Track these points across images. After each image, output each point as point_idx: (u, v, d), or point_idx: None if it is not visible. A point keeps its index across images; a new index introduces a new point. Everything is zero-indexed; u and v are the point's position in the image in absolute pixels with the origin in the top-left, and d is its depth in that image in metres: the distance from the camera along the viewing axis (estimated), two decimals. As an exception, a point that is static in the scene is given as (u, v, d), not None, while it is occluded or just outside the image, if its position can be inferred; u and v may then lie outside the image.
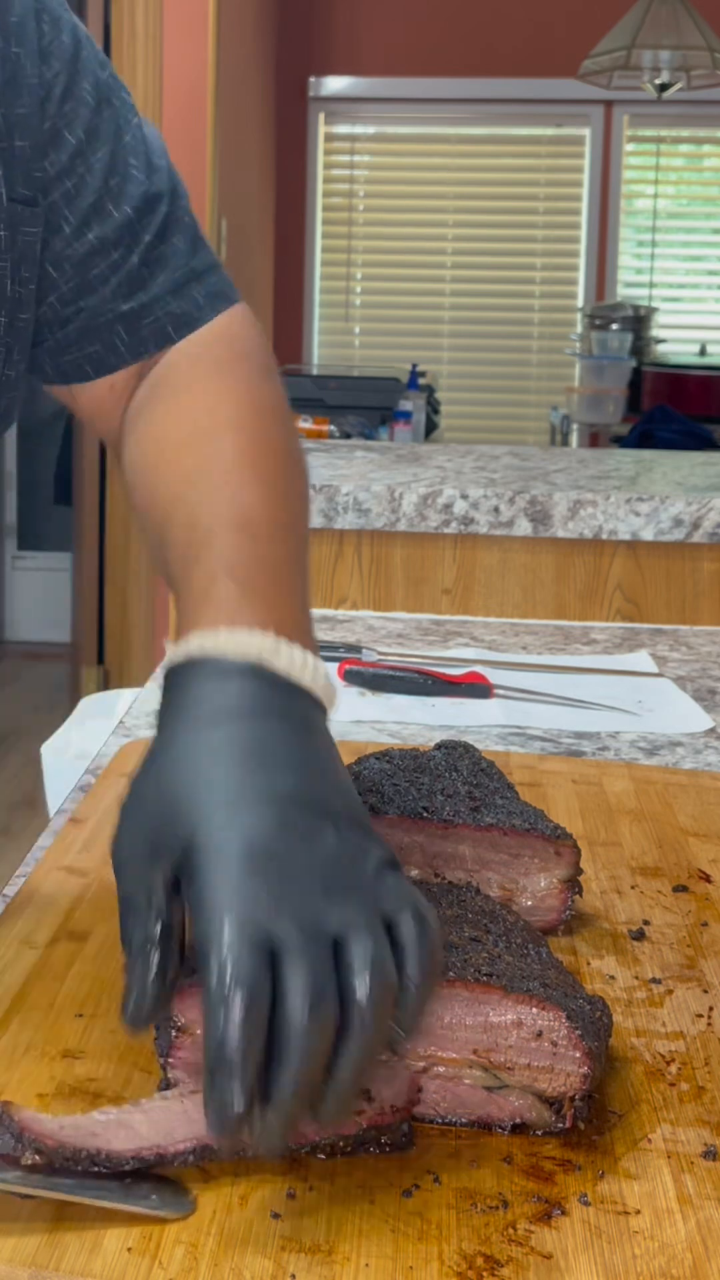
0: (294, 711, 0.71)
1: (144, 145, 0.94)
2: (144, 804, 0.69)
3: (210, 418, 0.89)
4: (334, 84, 6.44)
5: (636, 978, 0.90)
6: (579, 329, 6.24)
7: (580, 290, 6.54)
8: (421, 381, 5.52)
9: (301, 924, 0.62)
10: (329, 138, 6.54)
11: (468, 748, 1.03)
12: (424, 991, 0.64)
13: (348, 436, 4.62)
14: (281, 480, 0.86)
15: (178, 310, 0.94)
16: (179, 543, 0.82)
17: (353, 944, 0.62)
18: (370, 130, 6.55)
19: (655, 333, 6.14)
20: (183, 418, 0.91)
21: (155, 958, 0.66)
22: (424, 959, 0.64)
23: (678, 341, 6.35)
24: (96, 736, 1.62)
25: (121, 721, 1.43)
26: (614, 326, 5.87)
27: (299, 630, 0.75)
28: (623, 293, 6.52)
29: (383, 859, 0.66)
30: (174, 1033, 0.75)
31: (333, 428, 4.64)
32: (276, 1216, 0.66)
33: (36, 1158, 0.65)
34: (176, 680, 0.73)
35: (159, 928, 0.66)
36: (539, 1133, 0.73)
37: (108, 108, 0.93)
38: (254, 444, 0.87)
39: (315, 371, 5.78)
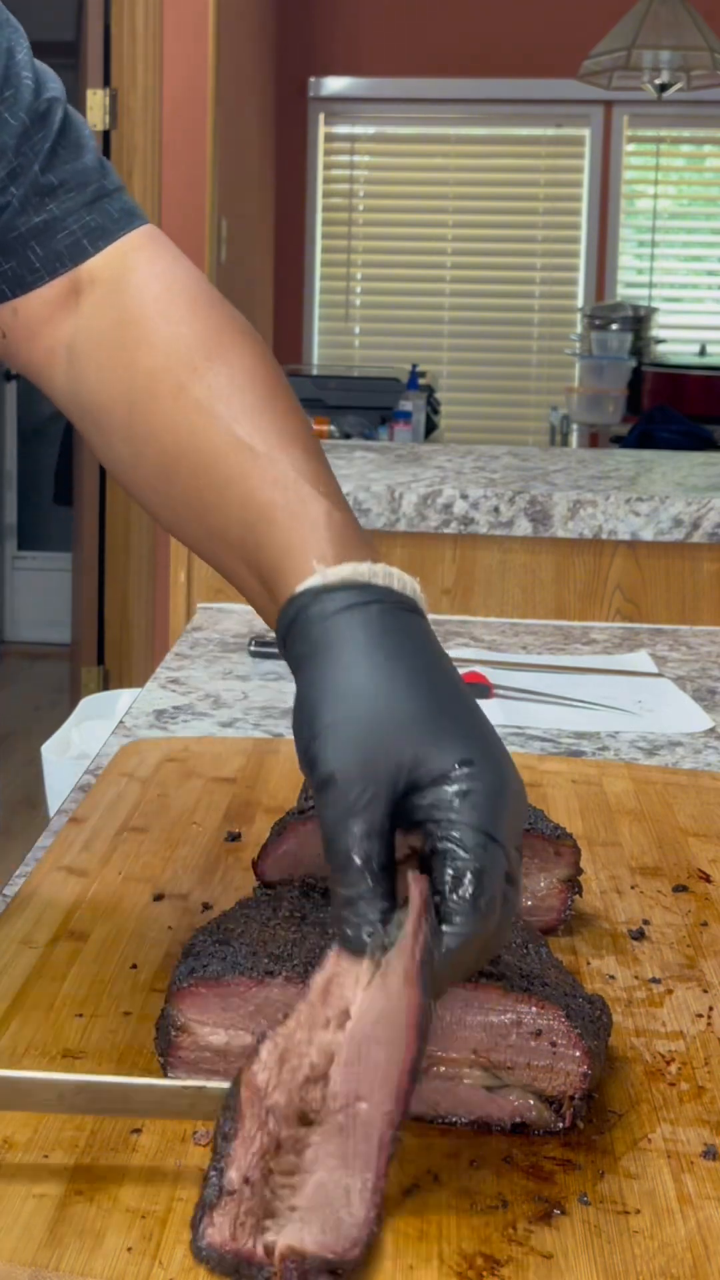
0: (427, 630, 0.77)
1: (32, 64, 0.95)
2: (355, 725, 0.72)
3: (215, 340, 0.90)
4: (334, 84, 6.44)
5: (636, 977, 0.90)
6: (579, 329, 6.23)
7: (580, 290, 6.54)
8: (421, 382, 5.52)
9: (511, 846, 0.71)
10: (329, 138, 6.54)
11: (468, 748, 1.03)
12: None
13: (348, 436, 4.62)
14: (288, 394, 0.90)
15: (92, 223, 0.94)
16: (230, 466, 0.84)
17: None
18: (370, 130, 6.55)
19: (655, 333, 6.13)
20: (171, 345, 0.90)
21: (384, 881, 0.69)
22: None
23: (678, 342, 6.35)
24: (96, 736, 1.62)
25: (121, 721, 1.43)
26: (614, 326, 5.87)
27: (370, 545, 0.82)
28: (623, 293, 6.51)
29: None
30: (174, 1033, 0.75)
31: (333, 428, 4.64)
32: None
33: None
34: (325, 605, 0.76)
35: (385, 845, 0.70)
36: (539, 1132, 0.73)
37: (8, 26, 0.94)
38: (263, 361, 0.90)
39: (315, 371, 5.78)
